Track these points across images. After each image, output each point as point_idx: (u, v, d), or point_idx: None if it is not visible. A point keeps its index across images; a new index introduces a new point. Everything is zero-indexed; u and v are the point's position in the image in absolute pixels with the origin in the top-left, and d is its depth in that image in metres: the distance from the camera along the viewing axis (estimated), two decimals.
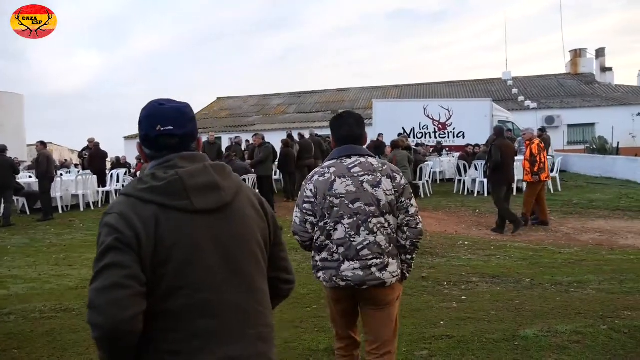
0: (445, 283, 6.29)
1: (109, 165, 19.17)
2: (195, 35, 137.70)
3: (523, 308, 5.25)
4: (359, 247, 2.90)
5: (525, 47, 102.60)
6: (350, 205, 2.92)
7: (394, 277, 2.96)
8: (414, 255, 3.10)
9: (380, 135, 19.17)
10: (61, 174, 16.58)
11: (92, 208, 14.87)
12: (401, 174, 3.08)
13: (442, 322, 4.86)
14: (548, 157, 15.99)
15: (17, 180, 14.61)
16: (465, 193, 15.80)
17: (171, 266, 1.62)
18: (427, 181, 16.29)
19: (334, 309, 3.16)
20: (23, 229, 11.80)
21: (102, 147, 17.32)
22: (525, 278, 6.44)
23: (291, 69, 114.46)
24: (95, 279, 1.56)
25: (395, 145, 12.93)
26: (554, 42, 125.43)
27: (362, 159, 3.03)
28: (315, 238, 3.03)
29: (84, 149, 18.28)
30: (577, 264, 7.24)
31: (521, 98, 32.17)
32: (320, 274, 3.03)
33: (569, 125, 29.38)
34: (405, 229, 3.01)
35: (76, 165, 23.63)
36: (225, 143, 23.42)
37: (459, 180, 16.47)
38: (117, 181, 16.22)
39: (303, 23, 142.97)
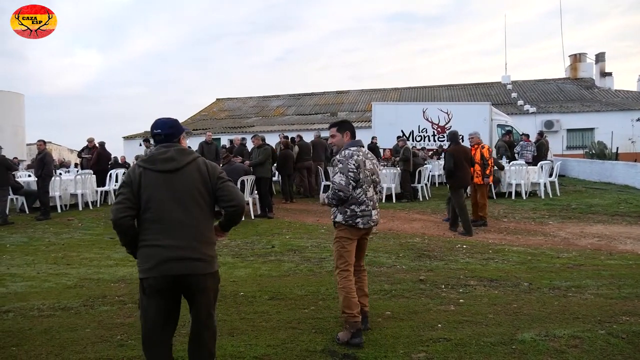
0: (443, 286, 6.30)
1: None
2: (194, 36, 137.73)
3: (521, 312, 5.25)
4: (375, 201, 4.68)
5: (524, 51, 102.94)
6: (371, 177, 4.65)
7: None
8: None
9: (374, 138, 19.22)
10: (60, 173, 16.57)
11: (91, 207, 14.88)
12: (377, 159, 5.06)
13: (439, 325, 4.86)
14: (547, 162, 16.15)
15: (17, 179, 14.63)
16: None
17: (144, 197, 3.20)
18: (426, 184, 16.32)
19: (352, 245, 4.60)
20: (22, 228, 11.81)
21: None
22: (523, 282, 6.44)
23: (290, 71, 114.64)
24: (115, 198, 3.31)
25: None
26: (554, 47, 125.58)
27: (366, 150, 4.77)
28: (357, 196, 4.52)
29: (83, 149, 18.24)
30: (575, 268, 7.25)
31: (520, 102, 32.17)
32: (358, 220, 4.52)
33: (568, 130, 29.40)
34: (377, 191, 4.81)
35: (76, 165, 23.64)
36: (224, 144, 23.32)
37: None
38: (117, 181, 16.21)
39: (302, 25, 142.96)
